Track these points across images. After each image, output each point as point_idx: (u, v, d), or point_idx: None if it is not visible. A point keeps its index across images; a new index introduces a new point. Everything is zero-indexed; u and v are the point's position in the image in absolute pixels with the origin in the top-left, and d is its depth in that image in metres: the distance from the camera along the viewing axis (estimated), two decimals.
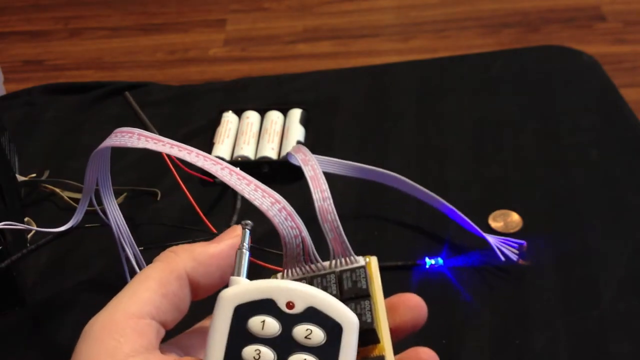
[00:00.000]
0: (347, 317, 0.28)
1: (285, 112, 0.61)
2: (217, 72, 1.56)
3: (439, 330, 0.45)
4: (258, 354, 0.27)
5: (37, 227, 0.53)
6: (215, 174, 0.32)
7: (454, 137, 0.60)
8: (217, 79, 1.46)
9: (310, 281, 0.33)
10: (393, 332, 0.31)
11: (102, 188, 0.39)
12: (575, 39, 1.55)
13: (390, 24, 1.66)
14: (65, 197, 0.56)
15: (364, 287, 0.32)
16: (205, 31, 1.70)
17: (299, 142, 0.58)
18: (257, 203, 0.31)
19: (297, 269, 0.33)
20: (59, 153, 0.62)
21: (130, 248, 0.41)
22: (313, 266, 0.33)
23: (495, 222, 0.52)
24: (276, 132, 0.59)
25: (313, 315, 0.28)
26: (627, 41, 1.55)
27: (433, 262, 0.49)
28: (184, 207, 0.53)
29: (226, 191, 0.56)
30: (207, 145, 0.59)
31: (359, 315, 0.31)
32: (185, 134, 0.63)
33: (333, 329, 0.28)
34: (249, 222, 0.32)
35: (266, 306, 0.28)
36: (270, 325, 0.27)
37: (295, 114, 0.61)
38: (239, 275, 0.30)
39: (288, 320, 0.28)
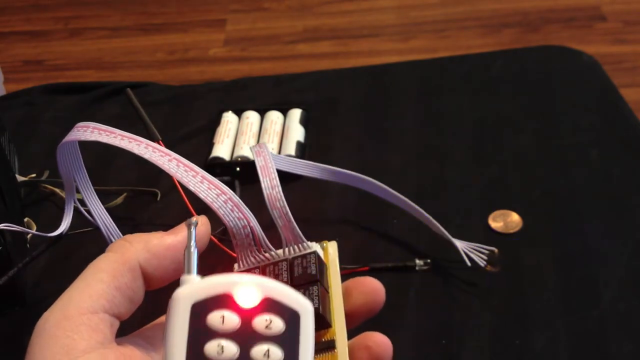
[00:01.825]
0: (302, 304, 0.28)
1: (285, 112, 0.61)
2: (217, 72, 1.56)
3: (439, 330, 0.45)
4: (221, 348, 0.27)
5: (37, 228, 0.53)
6: (162, 167, 0.32)
7: (454, 137, 0.60)
8: (217, 79, 1.46)
9: (263, 270, 0.33)
10: (348, 317, 0.32)
11: (81, 187, 0.38)
12: (575, 39, 1.55)
13: (391, 24, 1.66)
14: (65, 197, 0.56)
15: (313, 272, 0.32)
16: (205, 31, 1.70)
17: (298, 142, 0.58)
18: (202, 196, 0.32)
19: (251, 259, 0.33)
20: None
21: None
22: (267, 255, 0.33)
23: (495, 222, 0.52)
24: (276, 132, 0.59)
25: (270, 305, 0.28)
26: (627, 41, 1.55)
27: (430, 261, 0.49)
28: (184, 207, 0.53)
29: None
30: (207, 145, 0.59)
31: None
32: (185, 134, 0.63)
33: (291, 317, 0.28)
34: (194, 219, 0.32)
35: (223, 301, 0.28)
36: (229, 319, 0.27)
37: (295, 114, 0.61)
38: (190, 273, 0.30)
39: (246, 313, 0.28)
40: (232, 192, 0.32)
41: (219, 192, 0.32)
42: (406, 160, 0.58)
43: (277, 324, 0.28)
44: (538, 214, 0.52)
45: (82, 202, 0.42)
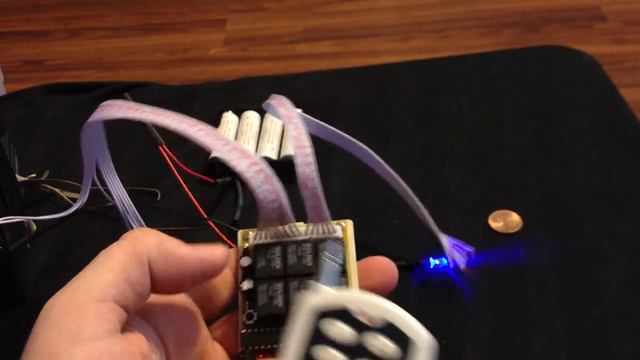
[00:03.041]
0: (422, 336, 0.29)
1: None
2: (217, 72, 1.56)
3: (439, 330, 0.45)
4: (334, 358, 0.28)
5: (37, 228, 0.53)
6: (191, 137, 0.31)
7: (454, 137, 0.60)
8: (217, 79, 1.46)
9: (284, 247, 0.32)
10: None
11: (103, 167, 0.37)
12: (575, 39, 1.55)
13: (390, 24, 1.66)
14: (65, 197, 0.56)
15: (341, 262, 0.32)
16: (205, 31, 1.70)
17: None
18: (233, 164, 0.31)
19: (271, 233, 0.32)
20: (59, 153, 0.62)
21: (137, 224, 0.40)
22: (289, 231, 0.32)
23: (495, 222, 0.52)
24: (276, 132, 0.59)
25: (390, 330, 0.29)
26: (627, 41, 1.55)
27: (437, 262, 0.49)
28: (184, 207, 0.53)
29: (226, 191, 0.56)
30: None
31: None
32: None
33: (407, 346, 0.29)
34: (339, 242, 0.32)
35: (345, 315, 0.28)
36: (347, 333, 0.28)
37: None
38: (323, 283, 0.30)
39: (364, 330, 0.28)
40: (264, 163, 0.31)
41: (251, 161, 0.31)
42: (406, 160, 0.58)
43: (394, 351, 0.28)
44: (538, 214, 0.52)
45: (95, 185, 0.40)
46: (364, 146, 0.47)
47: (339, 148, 0.61)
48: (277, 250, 0.32)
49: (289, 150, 0.57)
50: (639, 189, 0.54)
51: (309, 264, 0.32)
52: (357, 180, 0.57)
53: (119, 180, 0.38)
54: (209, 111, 0.64)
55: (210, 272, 0.30)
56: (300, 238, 0.32)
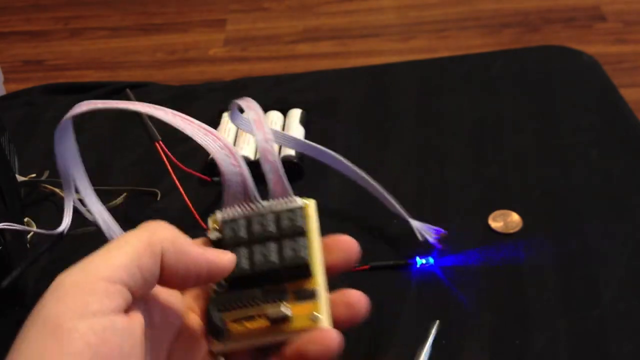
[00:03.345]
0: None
1: (285, 112, 0.61)
2: (217, 72, 1.56)
3: (439, 330, 0.45)
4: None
5: (37, 227, 0.53)
6: (162, 118, 0.34)
7: (454, 137, 0.60)
8: (217, 79, 1.47)
9: (249, 220, 0.34)
10: (326, 269, 0.33)
11: (79, 183, 0.39)
12: (575, 39, 1.55)
13: (390, 24, 1.66)
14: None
15: (300, 224, 0.34)
16: (205, 31, 1.70)
17: None
18: (198, 140, 0.33)
19: (238, 208, 0.34)
20: None
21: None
22: (253, 205, 0.34)
23: (495, 222, 0.52)
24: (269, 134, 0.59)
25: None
26: (627, 41, 1.55)
27: (424, 261, 0.49)
28: (184, 207, 0.53)
29: None
30: None
31: (295, 251, 0.33)
32: (185, 134, 0.62)
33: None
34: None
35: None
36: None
37: (295, 114, 0.61)
38: None
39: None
40: (227, 140, 0.34)
41: (215, 138, 0.33)
42: (406, 160, 0.58)
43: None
44: (538, 214, 0.52)
45: (83, 203, 0.42)
46: (325, 149, 0.50)
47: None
48: (243, 222, 0.34)
49: (288, 150, 0.57)
50: (639, 189, 0.54)
51: (272, 230, 0.34)
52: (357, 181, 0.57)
53: (97, 198, 0.40)
54: (209, 111, 0.64)
55: (215, 275, 0.31)
56: (264, 211, 0.34)
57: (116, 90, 0.68)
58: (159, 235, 0.30)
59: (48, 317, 0.27)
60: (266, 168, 0.35)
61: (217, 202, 0.56)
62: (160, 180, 0.57)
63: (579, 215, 0.52)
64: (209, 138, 0.33)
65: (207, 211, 0.55)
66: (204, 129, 0.34)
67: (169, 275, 0.30)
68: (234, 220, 0.34)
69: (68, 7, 1.82)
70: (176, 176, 0.51)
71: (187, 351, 0.32)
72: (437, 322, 0.43)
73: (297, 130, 0.59)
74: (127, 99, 0.63)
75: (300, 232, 0.34)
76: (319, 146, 0.49)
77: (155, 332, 0.31)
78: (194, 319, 0.33)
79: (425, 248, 0.50)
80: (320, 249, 0.34)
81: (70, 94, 0.70)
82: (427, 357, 0.39)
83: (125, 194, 0.56)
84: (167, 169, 0.50)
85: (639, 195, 0.53)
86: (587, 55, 0.69)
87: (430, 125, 0.62)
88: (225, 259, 0.32)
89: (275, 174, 0.34)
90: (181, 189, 0.49)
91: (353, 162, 0.58)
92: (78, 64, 1.63)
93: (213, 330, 0.33)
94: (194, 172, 0.54)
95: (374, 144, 0.61)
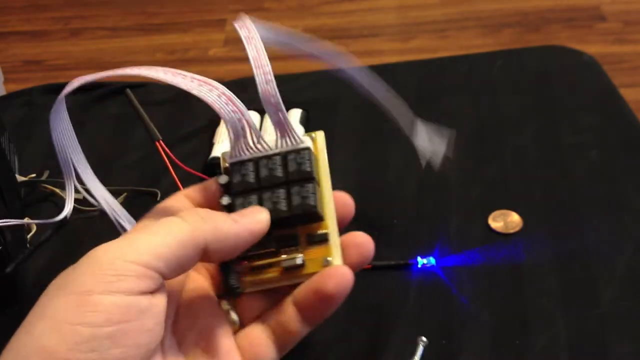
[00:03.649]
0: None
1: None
2: (217, 72, 1.56)
3: (438, 330, 0.45)
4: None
5: (37, 228, 0.53)
6: (154, 77, 0.33)
7: (454, 137, 0.60)
8: (217, 79, 1.46)
9: (256, 162, 0.34)
10: None
11: (79, 166, 0.39)
12: (575, 39, 1.55)
13: (391, 24, 1.66)
14: (65, 197, 0.56)
15: (308, 169, 0.34)
16: (205, 31, 1.70)
17: None
18: (194, 92, 0.33)
19: (245, 151, 0.34)
20: None
21: (126, 222, 0.41)
22: (259, 147, 0.34)
23: (495, 222, 0.52)
24: None
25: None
26: (627, 41, 1.55)
27: (425, 261, 0.49)
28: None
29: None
30: (207, 145, 0.59)
31: (303, 198, 0.33)
32: (186, 134, 0.63)
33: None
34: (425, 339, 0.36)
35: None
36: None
37: (295, 114, 0.61)
38: None
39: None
40: (223, 87, 0.33)
41: (211, 87, 0.33)
42: (406, 160, 0.58)
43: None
44: (538, 214, 0.52)
45: (85, 191, 0.41)
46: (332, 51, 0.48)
47: (338, 148, 0.61)
48: (250, 166, 0.34)
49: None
50: (639, 189, 0.54)
51: (280, 174, 0.34)
52: (358, 181, 0.57)
53: (97, 180, 0.40)
54: (209, 111, 0.64)
55: (256, 238, 0.32)
56: (271, 152, 0.34)
57: (116, 90, 0.68)
58: (202, 229, 0.30)
59: (77, 285, 0.28)
60: (269, 110, 0.34)
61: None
62: (160, 180, 0.57)
63: (579, 215, 0.52)
64: (205, 88, 0.33)
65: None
66: (198, 79, 0.33)
67: (214, 259, 0.31)
68: (241, 163, 0.34)
69: (68, 7, 1.82)
70: (176, 176, 0.51)
71: (195, 308, 0.33)
72: (424, 339, 0.42)
73: (297, 130, 0.59)
74: (128, 98, 0.63)
75: (308, 178, 0.33)
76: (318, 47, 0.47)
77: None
78: (197, 277, 0.34)
79: (424, 248, 0.50)
80: (330, 190, 0.34)
81: (71, 94, 0.70)
82: None
83: (125, 194, 0.56)
84: (167, 169, 0.50)
85: (639, 195, 0.53)
86: (587, 55, 0.69)
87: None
88: (262, 220, 0.32)
89: (278, 114, 0.34)
90: (182, 188, 0.49)
91: (353, 161, 0.59)
92: (78, 64, 1.63)
93: (228, 289, 0.33)
94: (194, 172, 0.54)
95: (374, 144, 0.61)
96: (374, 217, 0.53)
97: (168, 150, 0.51)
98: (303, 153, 0.34)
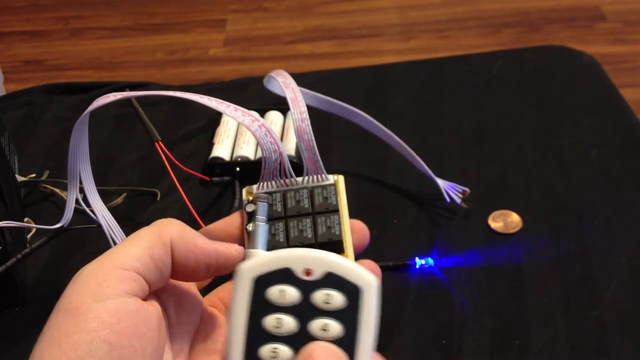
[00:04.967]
0: (365, 280, 0.29)
1: (285, 112, 0.61)
2: (217, 72, 1.56)
3: (438, 330, 0.45)
4: (279, 322, 0.28)
5: (36, 228, 0.53)
6: (198, 101, 0.36)
7: (454, 137, 0.60)
8: (217, 79, 1.46)
9: (284, 195, 0.36)
10: None
11: (85, 180, 0.41)
12: (575, 39, 1.55)
13: (391, 24, 1.66)
14: (65, 197, 0.56)
15: (334, 202, 0.36)
16: (205, 31, 1.70)
17: None
18: (239, 120, 0.35)
19: (273, 183, 0.36)
20: (58, 153, 0.62)
21: (119, 238, 0.42)
22: (287, 181, 0.36)
23: (495, 222, 0.52)
24: (276, 132, 0.59)
25: (331, 280, 0.29)
26: (627, 41, 1.55)
27: (423, 262, 0.49)
28: (184, 207, 0.53)
29: (225, 191, 0.56)
30: (207, 146, 0.59)
31: (329, 228, 0.34)
32: (185, 134, 0.63)
33: (352, 292, 0.29)
34: (266, 195, 0.35)
35: (285, 275, 0.29)
36: (289, 293, 0.29)
37: None
38: (256, 247, 0.33)
39: (307, 287, 0.29)
40: (262, 119, 0.36)
41: (253, 118, 0.36)
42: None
43: (337, 299, 0.29)
44: (538, 214, 0.52)
45: (85, 201, 0.42)
46: (359, 111, 0.53)
47: (338, 148, 0.61)
48: (278, 196, 0.36)
49: (289, 150, 0.57)
50: (639, 189, 0.54)
51: (306, 205, 0.35)
52: (358, 181, 0.57)
53: (99, 198, 0.41)
54: (208, 111, 0.64)
55: (224, 266, 0.33)
56: (298, 187, 0.36)
57: (116, 90, 0.68)
58: (167, 229, 0.32)
59: (69, 302, 0.29)
60: (302, 146, 0.36)
61: (217, 202, 0.56)
62: (160, 180, 0.57)
63: (579, 215, 0.52)
64: (248, 118, 0.35)
65: (207, 211, 0.55)
66: (241, 110, 0.36)
67: (180, 266, 0.32)
68: (269, 194, 0.36)
69: (68, 7, 1.82)
70: (176, 176, 0.51)
71: (209, 341, 0.34)
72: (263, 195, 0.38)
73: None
74: (128, 99, 0.63)
75: (333, 209, 0.35)
76: (348, 106, 0.53)
77: (176, 329, 0.33)
78: (214, 312, 0.35)
79: (424, 248, 0.50)
80: (348, 223, 0.36)
81: (70, 94, 0.70)
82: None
83: (125, 194, 0.56)
84: (167, 169, 0.50)
85: (639, 195, 0.53)
86: (587, 55, 0.69)
87: (430, 125, 0.62)
88: (233, 250, 0.33)
89: (309, 151, 0.36)
90: (181, 189, 0.49)
91: (353, 161, 0.59)
92: (78, 64, 1.63)
93: None
94: (194, 172, 0.54)
95: (374, 144, 0.61)
96: (374, 217, 0.53)
97: (167, 151, 0.51)
98: (329, 188, 0.36)
